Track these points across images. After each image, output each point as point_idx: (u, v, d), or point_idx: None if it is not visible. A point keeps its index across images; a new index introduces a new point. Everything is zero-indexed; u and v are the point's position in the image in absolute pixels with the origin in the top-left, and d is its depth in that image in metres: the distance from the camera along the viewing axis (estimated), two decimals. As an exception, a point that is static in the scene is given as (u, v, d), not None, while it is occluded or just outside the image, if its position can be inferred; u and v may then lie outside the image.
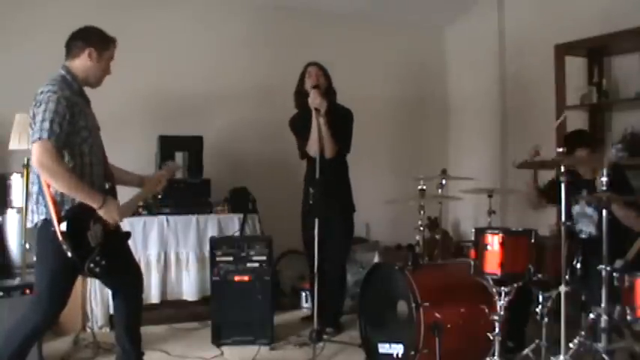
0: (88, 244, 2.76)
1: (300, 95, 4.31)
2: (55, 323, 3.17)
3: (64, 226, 2.70)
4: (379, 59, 5.94)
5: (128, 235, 3.11)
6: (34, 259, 2.93)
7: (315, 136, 4.13)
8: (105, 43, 2.97)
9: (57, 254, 2.71)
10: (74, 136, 2.79)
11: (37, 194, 2.82)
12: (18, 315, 2.88)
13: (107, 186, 2.94)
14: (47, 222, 2.75)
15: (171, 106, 5.10)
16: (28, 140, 3.94)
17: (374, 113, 5.69)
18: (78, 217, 2.75)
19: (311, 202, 3.92)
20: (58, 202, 2.75)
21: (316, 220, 3.85)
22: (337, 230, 4.24)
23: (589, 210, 3.67)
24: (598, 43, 4.52)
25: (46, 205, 2.76)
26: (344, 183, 4.39)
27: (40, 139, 2.67)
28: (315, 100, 4.07)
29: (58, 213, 2.72)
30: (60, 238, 2.70)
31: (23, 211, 4.04)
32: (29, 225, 2.90)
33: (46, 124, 2.68)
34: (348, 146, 4.35)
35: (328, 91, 4.29)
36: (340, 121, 4.26)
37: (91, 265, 2.75)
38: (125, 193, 3.16)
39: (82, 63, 2.92)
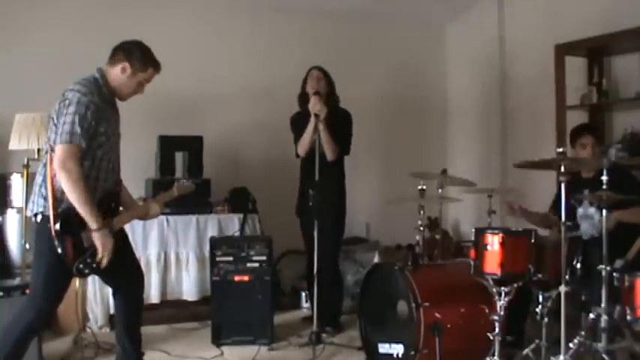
0: (81, 245, 2.77)
1: (303, 98, 4.34)
2: (51, 320, 3.16)
3: (57, 225, 2.71)
4: (379, 58, 5.93)
5: (126, 237, 3.12)
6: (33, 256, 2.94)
7: (306, 138, 4.19)
8: (143, 65, 2.96)
9: (53, 251, 2.73)
10: (92, 141, 2.81)
11: (40, 186, 2.83)
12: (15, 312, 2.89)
13: (112, 205, 2.96)
14: (47, 217, 2.76)
15: (171, 106, 5.09)
16: (30, 139, 3.99)
17: (374, 112, 5.70)
18: (73, 217, 2.75)
19: (310, 203, 3.92)
20: (58, 198, 2.76)
21: (315, 222, 3.88)
22: (329, 232, 4.22)
23: (591, 210, 3.67)
24: (598, 43, 4.52)
25: (46, 199, 2.77)
26: (339, 185, 4.40)
27: (70, 142, 2.71)
28: (315, 106, 4.11)
29: (55, 210, 2.74)
30: (54, 235, 2.71)
31: (23, 211, 4.04)
32: (28, 214, 2.92)
33: (77, 129, 2.71)
34: (348, 148, 4.39)
35: (329, 97, 4.31)
36: (340, 124, 4.30)
37: (80, 265, 2.76)
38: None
39: (115, 73, 2.94)
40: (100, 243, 2.80)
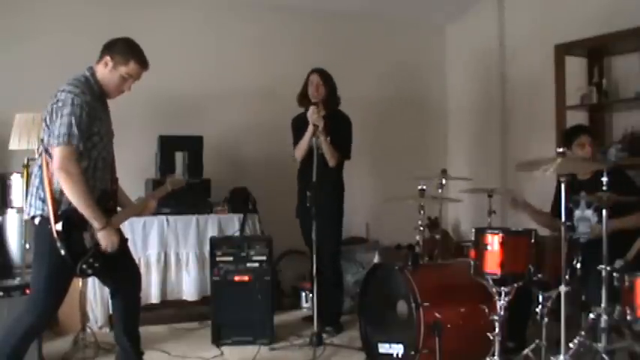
0: (83, 245, 2.77)
1: (303, 98, 4.35)
2: (52, 322, 3.16)
3: (59, 226, 2.71)
4: (379, 58, 5.93)
5: (126, 240, 3.12)
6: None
7: (302, 145, 4.23)
8: (124, 57, 2.90)
9: (54, 252, 2.72)
10: (87, 141, 2.80)
11: (37, 188, 2.82)
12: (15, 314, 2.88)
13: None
14: (46, 219, 2.76)
15: (171, 106, 5.10)
16: (30, 139, 3.99)
17: (373, 112, 5.69)
18: (75, 217, 2.75)
19: (308, 204, 3.92)
20: (57, 199, 2.76)
21: (314, 223, 3.89)
22: (328, 234, 4.21)
23: (588, 213, 3.67)
24: (598, 43, 4.52)
25: (44, 201, 2.77)
26: (337, 187, 4.41)
27: (67, 144, 2.69)
28: (312, 116, 4.12)
29: (55, 211, 2.73)
30: (56, 236, 2.71)
31: (23, 211, 4.04)
32: (25, 217, 2.91)
33: (74, 130, 2.70)
34: (349, 153, 4.39)
35: (329, 98, 4.31)
36: (339, 129, 4.31)
37: (84, 266, 2.76)
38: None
39: (100, 69, 2.91)
40: (107, 242, 2.81)
